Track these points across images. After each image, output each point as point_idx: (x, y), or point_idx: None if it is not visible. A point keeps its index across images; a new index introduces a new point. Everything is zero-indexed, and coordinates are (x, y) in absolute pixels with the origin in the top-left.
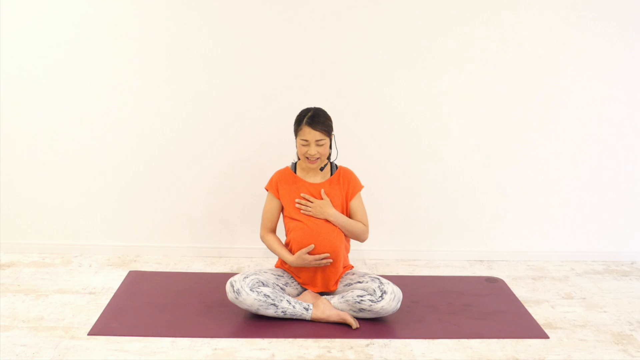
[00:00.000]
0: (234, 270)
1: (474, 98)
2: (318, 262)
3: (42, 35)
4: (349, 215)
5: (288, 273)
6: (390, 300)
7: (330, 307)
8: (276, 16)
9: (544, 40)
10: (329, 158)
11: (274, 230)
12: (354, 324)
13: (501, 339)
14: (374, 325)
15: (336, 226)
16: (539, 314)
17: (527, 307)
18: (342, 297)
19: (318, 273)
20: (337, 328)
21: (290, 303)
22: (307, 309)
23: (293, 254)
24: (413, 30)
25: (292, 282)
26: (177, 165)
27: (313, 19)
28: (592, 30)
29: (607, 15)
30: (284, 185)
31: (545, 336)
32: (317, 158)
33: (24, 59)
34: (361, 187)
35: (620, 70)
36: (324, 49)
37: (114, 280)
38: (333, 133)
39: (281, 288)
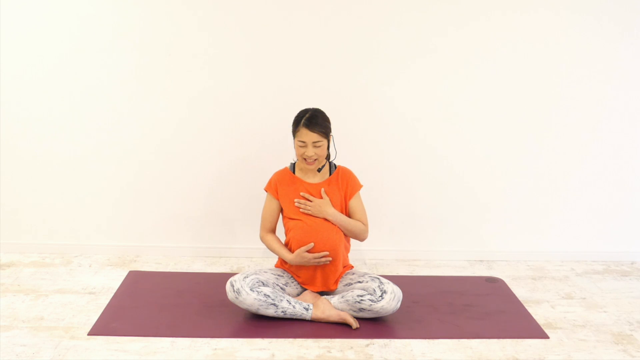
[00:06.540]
0: (234, 270)
1: (474, 98)
2: (317, 260)
3: (43, 36)
4: (349, 215)
5: (288, 273)
6: (390, 299)
7: (330, 307)
8: (275, 16)
9: (546, 41)
10: (327, 158)
11: (273, 231)
12: (354, 324)
13: (501, 339)
14: (374, 325)
15: (335, 225)
16: (539, 314)
17: (527, 307)
18: (342, 296)
19: (318, 272)
20: (337, 328)
21: (290, 303)
22: (307, 309)
23: (292, 252)
24: (413, 30)
25: (292, 282)
26: (177, 165)
27: (312, 18)
28: (594, 30)
29: (610, 15)
30: (283, 186)
31: (545, 336)
32: (315, 159)
33: (24, 59)
34: (360, 186)
35: (621, 72)
36: (324, 48)
37: (113, 280)
38: (331, 134)
39: (281, 288)
